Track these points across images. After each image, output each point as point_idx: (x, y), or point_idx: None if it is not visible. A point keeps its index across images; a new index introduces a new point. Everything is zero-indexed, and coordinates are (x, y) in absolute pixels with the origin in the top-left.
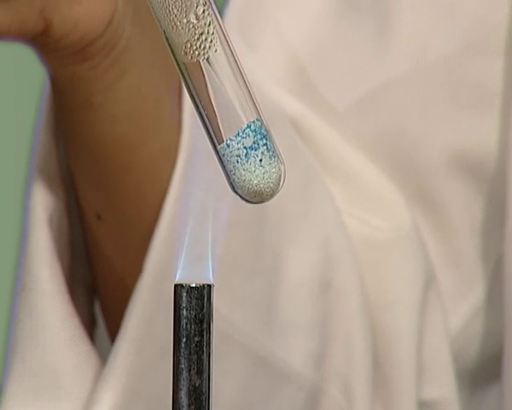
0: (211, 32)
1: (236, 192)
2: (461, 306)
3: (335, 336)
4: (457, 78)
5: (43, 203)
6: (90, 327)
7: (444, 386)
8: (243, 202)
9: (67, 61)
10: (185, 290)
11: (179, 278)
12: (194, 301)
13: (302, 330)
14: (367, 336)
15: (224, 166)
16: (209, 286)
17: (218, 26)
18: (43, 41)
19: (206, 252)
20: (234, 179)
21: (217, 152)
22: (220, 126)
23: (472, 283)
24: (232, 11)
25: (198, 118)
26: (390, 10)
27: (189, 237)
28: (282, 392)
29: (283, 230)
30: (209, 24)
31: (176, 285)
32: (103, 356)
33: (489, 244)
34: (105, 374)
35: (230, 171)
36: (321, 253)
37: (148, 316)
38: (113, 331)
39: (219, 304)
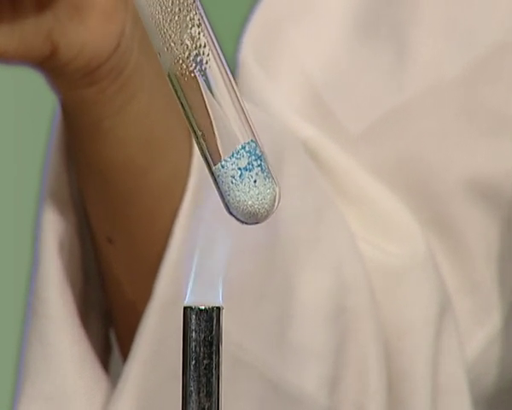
0: (206, 53)
1: (231, 213)
2: (477, 333)
3: (349, 362)
4: (474, 103)
5: (53, 228)
6: (104, 353)
7: None
8: (253, 227)
9: (75, 85)
10: (194, 313)
11: (188, 301)
12: (203, 324)
13: (315, 356)
14: (382, 362)
15: (218, 187)
16: (218, 309)
17: (212, 47)
18: (50, 65)
19: (216, 275)
20: (229, 200)
21: (212, 173)
22: (215, 147)
23: (489, 310)
24: (249, 38)
25: (193, 139)
26: (407, 36)
27: (199, 260)
28: None
29: (295, 255)
30: (204, 45)
31: (185, 308)
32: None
33: (506, 271)
34: (115, 397)
35: (225, 192)
36: (334, 278)
37: (158, 339)
38: (127, 357)
39: (230, 328)
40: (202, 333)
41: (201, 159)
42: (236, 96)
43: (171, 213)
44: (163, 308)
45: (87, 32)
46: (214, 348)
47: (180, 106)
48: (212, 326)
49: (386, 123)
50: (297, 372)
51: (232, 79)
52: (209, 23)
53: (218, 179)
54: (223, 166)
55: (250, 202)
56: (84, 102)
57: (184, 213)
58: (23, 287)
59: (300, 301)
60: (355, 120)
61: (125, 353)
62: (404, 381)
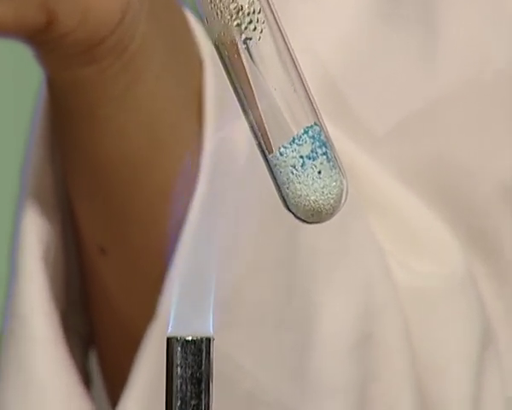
0: (261, 21)
1: (290, 210)
2: None
3: (377, 400)
4: None
5: (37, 235)
6: (84, 384)
7: None
8: (270, 238)
9: (71, 63)
10: (180, 344)
11: (172, 330)
12: (190, 358)
13: (338, 392)
14: (415, 402)
15: (275, 179)
16: (208, 339)
17: (269, 13)
18: (45, 38)
19: (206, 297)
20: (287, 194)
21: (267, 162)
22: (272, 132)
23: None
24: None
25: (246, 122)
26: (439, 14)
27: (186, 279)
28: None
29: (317, 272)
30: (259, 11)
31: (168, 338)
32: None
33: None
34: None
35: (283, 184)
36: (361, 301)
37: (160, 370)
38: (114, 390)
39: (244, 359)
40: (189, 369)
41: (213, 157)
42: (297, 71)
43: (176, 219)
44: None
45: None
46: (203, 386)
47: (229, 81)
48: (201, 360)
49: (416, 120)
50: None
51: (293, 52)
52: None
53: (274, 170)
54: (281, 154)
55: (313, 197)
56: (79, 83)
57: (193, 219)
58: None
59: (322, 328)
60: (378, 117)
61: (112, 385)
62: None
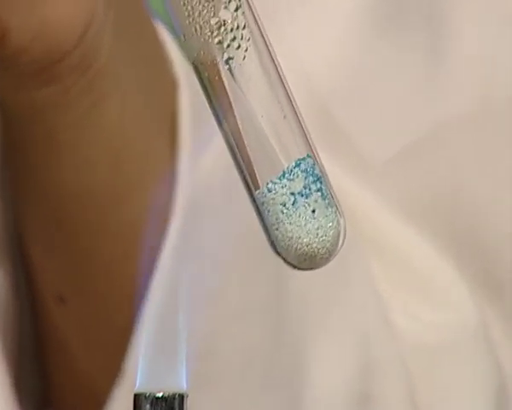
0: (246, 38)
1: (279, 254)
2: None
3: None
4: None
5: None
6: None
7: None
8: (255, 281)
9: (28, 83)
10: (149, 402)
11: (140, 386)
12: None
13: None
14: None
15: (262, 219)
16: (181, 396)
17: (255, 29)
18: None
19: (180, 350)
20: (276, 236)
21: (253, 199)
22: (258, 165)
23: None
24: None
25: (230, 154)
26: (445, 24)
27: (157, 327)
28: None
29: (308, 318)
30: (244, 26)
31: (136, 395)
32: None
33: None
34: None
35: (272, 225)
36: (357, 355)
37: None
38: None
39: None
40: None
41: (186, 191)
42: (288, 95)
43: (146, 261)
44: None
45: (47, 10)
46: None
47: (209, 106)
48: None
49: (420, 147)
50: None
51: (282, 74)
52: None
53: (261, 208)
54: (269, 191)
55: (306, 240)
56: (37, 106)
57: (165, 263)
58: None
59: (314, 383)
60: (376, 144)
61: None
62: None
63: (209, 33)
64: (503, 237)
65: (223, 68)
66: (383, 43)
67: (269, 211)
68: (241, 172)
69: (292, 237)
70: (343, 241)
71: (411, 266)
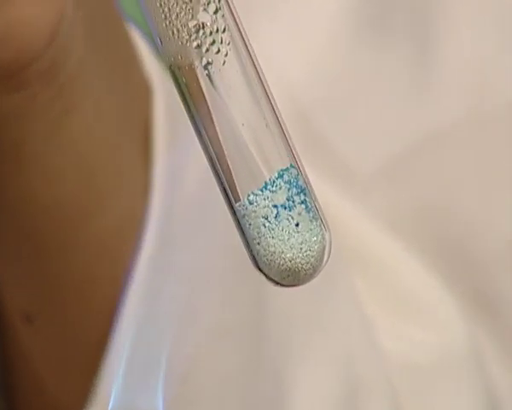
0: (226, 41)
1: (260, 270)
2: None
3: None
4: None
5: None
6: None
7: None
8: (233, 299)
9: None
10: None
11: (115, 406)
12: None
13: None
14: None
15: (243, 232)
16: None
17: (235, 32)
18: None
19: (155, 368)
20: (258, 251)
21: (233, 211)
22: (238, 175)
23: None
24: None
25: (209, 165)
26: (433, 28)
27: (133, 348)
28: None
29: (291, 339)
30: (223, 30)
31: None
32: None
33: None
34: None
35: (253, 239)
36: (342, 377)
37: None
38: None
39: None
40: None
41: (164, 204)
42: (270, 102)
43: (118, 280)
44: None
45: (12, 11)
46: None
47: (187, 114)
48: None
49: (407, 159)
50: None
51: (265, 80)
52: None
53: (242, 221)
54: (251, 203)
55: (289, 255)
56: (2, 115)
57: (140, 280)
58: None
59: (296, 408)
60: (361, 155)
61: None
62: None
63: (187, 37)
64: (493, 252)
65: (201, 74)
66: (367, 48)
67: (250, 224)
68: (220, 183)
69: (274, 252)
70: (328, 256)
71: (398, 283)
